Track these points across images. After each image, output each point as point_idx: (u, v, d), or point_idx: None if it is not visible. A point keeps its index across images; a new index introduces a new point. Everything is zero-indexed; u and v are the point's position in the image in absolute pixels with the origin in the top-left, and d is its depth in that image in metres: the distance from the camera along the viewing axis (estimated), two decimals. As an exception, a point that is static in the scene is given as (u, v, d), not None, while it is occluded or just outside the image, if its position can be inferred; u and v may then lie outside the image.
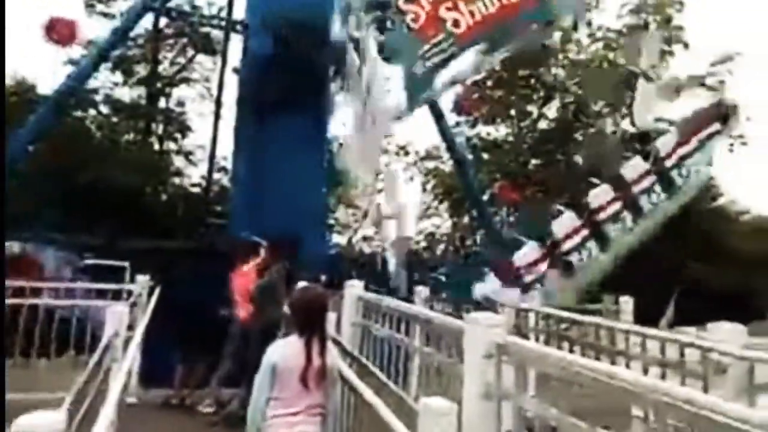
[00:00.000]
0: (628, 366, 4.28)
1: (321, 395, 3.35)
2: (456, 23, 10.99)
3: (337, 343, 4.17)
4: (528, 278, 10.35)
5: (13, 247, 9.11)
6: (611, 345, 4.68)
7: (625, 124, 24.89)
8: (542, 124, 26.56)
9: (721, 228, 26.12)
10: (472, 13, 11.06)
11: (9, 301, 5.85)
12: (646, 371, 4.14)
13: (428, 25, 10.81)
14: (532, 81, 25.75)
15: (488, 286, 9.09)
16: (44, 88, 18.11)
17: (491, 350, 2.86)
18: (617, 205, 11.85)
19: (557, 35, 25.82)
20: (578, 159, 26.08)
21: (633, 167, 12.49)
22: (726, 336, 3.63)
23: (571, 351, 4.76)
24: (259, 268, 6.59)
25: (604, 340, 4.61)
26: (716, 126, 13.74)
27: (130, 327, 4.65)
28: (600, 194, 12.01)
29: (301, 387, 3.25)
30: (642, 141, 13.79)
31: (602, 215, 11.61)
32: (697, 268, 22.42)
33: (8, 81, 21.30)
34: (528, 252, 10.68)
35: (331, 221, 26.45)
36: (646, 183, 12.24)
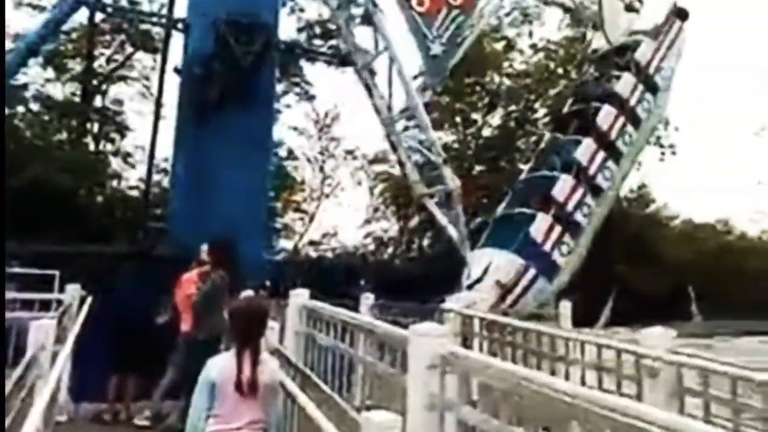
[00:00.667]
0: (567, 371, 4.42)
1: (260, 409, 3.26)
2: None
3: (280, 353, 4.08)
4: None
5: None
6: (552, 351, 4.80)
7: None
8: (486, 132, 27.21)
9: (652, 233, 27.57)
10: None
11: None
12: (583, 376, 4.29)
13: (432, 3, 11.11)
14: (477, 88, 26.35)
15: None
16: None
17: (435, 361, 2.86)
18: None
19: (500, 45, 26.63)
20: (521, 166, 26.90)
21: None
22: (657, 341, 3.80)
23: (513, 358, 4.86)
24: (199, 276, 6.35)
25: (545, 345, 4.73)
26: (678, 23, 14.72)
27: (59, 339, 4.38)
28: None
29: (239, 402, 3.16)
30: (619, 54, 14.46)
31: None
32: (628, 271, 23.55)
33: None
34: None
35: (278, 226, 26.09)
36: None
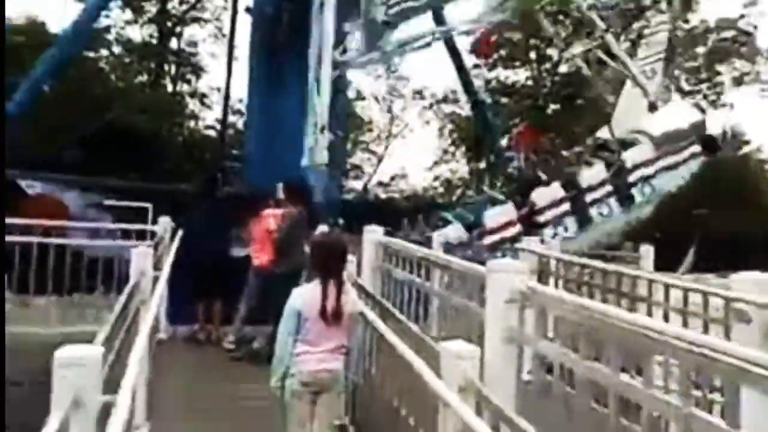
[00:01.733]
0: (650, 313, 4.33)
1: (344, 336, 3.48)
2: None
3: (358, 285, 4.25)
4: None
5: (35, 187, 9.25)
6: (632, 292, 4.70)
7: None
8: (564, 68, 25.75)
9: (744, 176, 25.64)
10: None
11: (39, 239, 6.00)
12: (666, 319, 4.18)
13: None
14: (560, 17, 24.74)
15: (452, 233, 8.97)
16: (55, 27, 17.82)
17: (514, 296, 2.89)
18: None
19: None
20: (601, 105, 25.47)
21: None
22: (750, 286, 3.62)
23: (591, 297, 4.80)
24: (283, 216, 6.62)
25: (626, 286, 4.64)
26: (695, 148, 12.98)
27: (156, 266, 4.77)
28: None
29: (325, 328, 3.37)
30: (602, 149, 13.22)
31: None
32: (716, 215, 22.19)
33: (19, 20, 21.00)
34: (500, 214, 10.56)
35: (347, 166, 26.42)
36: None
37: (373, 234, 5.26)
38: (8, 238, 5.87)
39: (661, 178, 12.12)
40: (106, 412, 1.99)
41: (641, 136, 12.97)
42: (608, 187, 11.39)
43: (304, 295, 3.44)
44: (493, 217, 10.39)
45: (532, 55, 25.49)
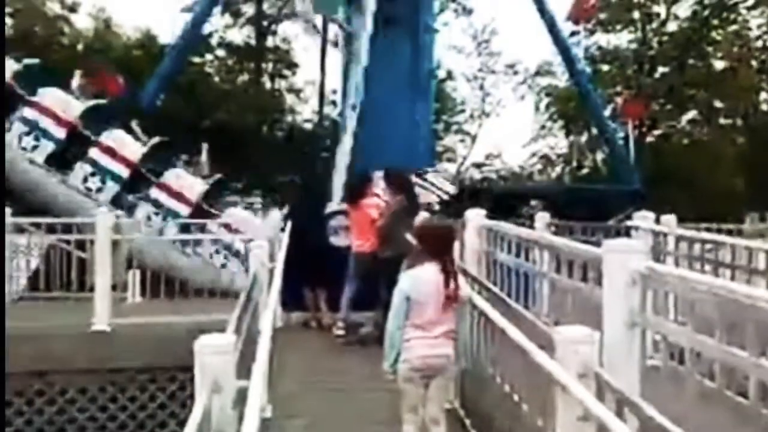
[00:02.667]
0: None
1: (453, 320, 3.48)
2: None
3: (463, 271, 4.23)
4: None
5: None
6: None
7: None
8: (671, 26, 23.65)
9: None
10: None
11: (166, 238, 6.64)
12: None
13: None
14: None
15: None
16: (164, 37, 19.28)
17: (634, 277, 2.74)
18: None
19: None
20: (715, 63, 23.18)
21: None
22: None
23: (716, 276, 4.43)
24: (379, 203, 6.73)
25: (762, 262, 4.22)
26: None
27: (271, 258, 5.08)
28: None
29: (435, 313, 3.38)
30: None
31: None
32: None
33: (134, 33, 22.98)
34: None
35: (440, 149, 26.23)
36: None
37: (476, 218, 5.20)
38: (137, 235, 6.58)
39: None
40: (240, 395, 2.16)
41: None
42: None
43: (416, 280, 3.45)
44: None
45: (636, 14, 23.65)
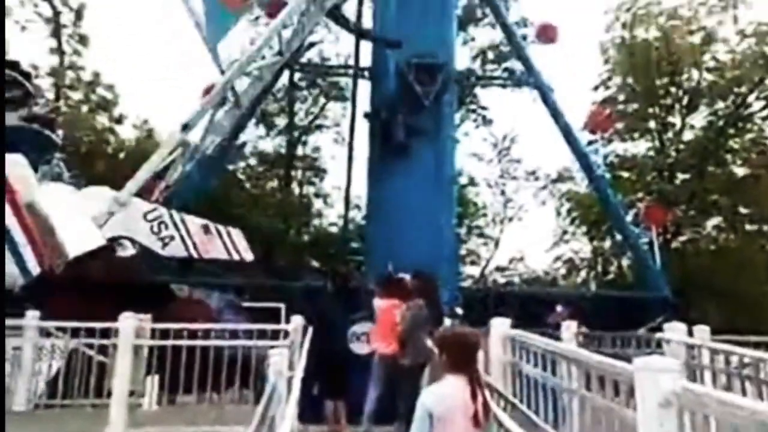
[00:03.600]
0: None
1: None
2: None
3: (488, 385, 4.08)
4: None
5: (184, 290, 10.30)
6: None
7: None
8: (688, 135, 24.27)
9: None
10: None
11: (187, 342, 6.62)
12: None
13: None
14: (673, 89, 23.76)
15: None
16: (195, 137, 20.41)
17: (669, 398, 2.61)
18: None
19: (697, 37, 23.72)
20: (735, 169, 23.39)
21: None
22: None
23: (760, 396, 4.17)
24: (402, 305, 6.66)
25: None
26: None
27: (290, 366, 4.98)
28: None
29: (467, 430, 3.18)
30: None
31: None
32: None
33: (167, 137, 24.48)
34: None
35: (462, 252, 26.31)
36: None
37: (501, 326, 5.09)
38: (162, 342, 6.55)
39: None
40: None
41: None
42: None
43: (441, 395, 3.22)
44: None
45: (652, 124, 24.42)
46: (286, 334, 6.84)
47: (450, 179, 15.90)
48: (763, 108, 22.76)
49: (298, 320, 6.93)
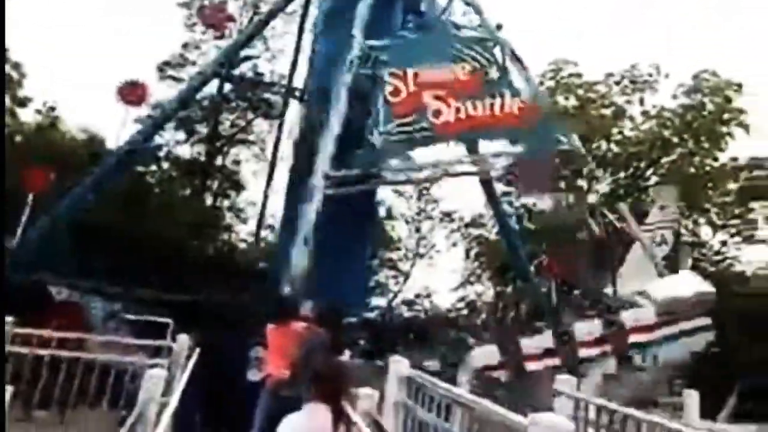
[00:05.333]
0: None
1: None
2: (437, 113, 10.76)
3: (377, 425, 3.91)
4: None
5: (62, 293, 9.32)
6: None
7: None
8: (592, 198, 26.08)
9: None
10: (458, 110, 10.79)
11: (52, 352, 5.90)
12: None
13: (407, 103, 10.66)
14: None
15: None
16: (113, 143, 19.18)
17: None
18: None
19: (609, 110, 25.89)
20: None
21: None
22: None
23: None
24: (302, 331, 6.34)
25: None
26: (705, 320, 12.42)
27: (167, 390, 4.53)
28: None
29: None
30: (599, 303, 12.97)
31: None
32: (759, 359, 20.80)
33: (81, 135, 22.80)
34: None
35: (372, 284, 26.29)
36: None
37: (398, 365, 4.95)
38: (23, 349, 5.80)
39: (667, 347, 11.55)
40: None
41: (643, 298, 12.59)
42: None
43: (298, 423, 3.25)
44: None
45: (562, 185, 26.02)
46: (170, 351, 6.29)
47: (370, 211, 15.87)
48: (657, 183, 25.00)
49: (184, 339, 6.40)
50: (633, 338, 10.41)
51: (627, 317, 11.74)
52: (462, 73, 10.99)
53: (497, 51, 11.50)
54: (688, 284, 13.20)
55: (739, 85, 24.41)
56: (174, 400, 4.22)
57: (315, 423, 3.21)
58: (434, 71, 10.88)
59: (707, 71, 24.91)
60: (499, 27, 12.24)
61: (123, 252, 14.54)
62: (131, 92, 14.06)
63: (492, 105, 10.84)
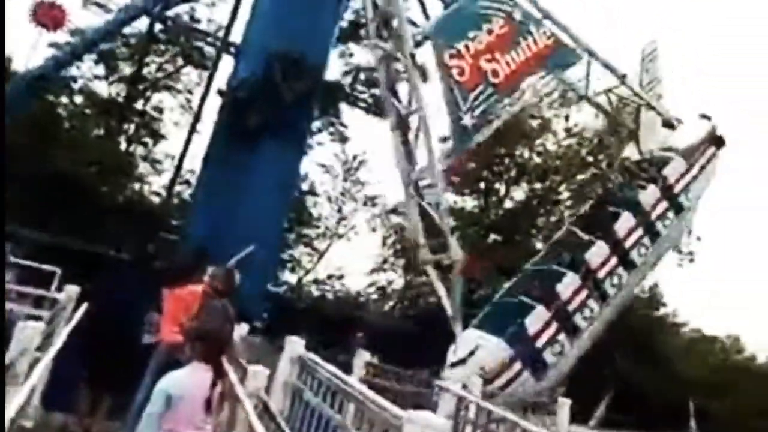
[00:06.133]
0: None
1: (212, 427, 3.43)
2: (495, 73, 11.70)
3: (263, 404, 3.88)
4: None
5: None
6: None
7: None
8: (508, 204, 27.19)
9: (658, 336, 26.89)
10: (508, 63, 11.86)
11: None
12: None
13: (472, 77, 11.41)
14: (507, 160, 26.53)
15: None
16: (19, 64, 17.46)
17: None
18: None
19: (536, 122, 26.94)
20: (537, 245, 26.70)
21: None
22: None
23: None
24: (203, 296, 6.08)
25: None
26: (713, 150, 14.44)
27: (45, 343, 4.24)
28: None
29: (201, 417, 3.27)
30: (650, 165, 14.15)
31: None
32: (630, 370, 22.87)
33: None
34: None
35: (285, 256, 25.94)
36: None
37: (293, 345, 4.94)
38: None
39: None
40: None
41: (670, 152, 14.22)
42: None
43: (178, 379, 3.38)
44: None
45: (482, 185, 26.90)
46: (55, 302, 5.89)
47: (291, 183, 15.62)
48: (568, 198, 26.50)
49: (72, 290, 6.00)
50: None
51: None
52: (498, 28, 11.84)
53: None
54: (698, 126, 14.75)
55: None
56: (50, 354, 3.96)
57: (193, 379, 3.35)
58: (479, 37, 11.62)
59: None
60: None
61: (22, 186, 13.37)
62: (46, 13, 12.85)
63: (528, 46, 12.09)
